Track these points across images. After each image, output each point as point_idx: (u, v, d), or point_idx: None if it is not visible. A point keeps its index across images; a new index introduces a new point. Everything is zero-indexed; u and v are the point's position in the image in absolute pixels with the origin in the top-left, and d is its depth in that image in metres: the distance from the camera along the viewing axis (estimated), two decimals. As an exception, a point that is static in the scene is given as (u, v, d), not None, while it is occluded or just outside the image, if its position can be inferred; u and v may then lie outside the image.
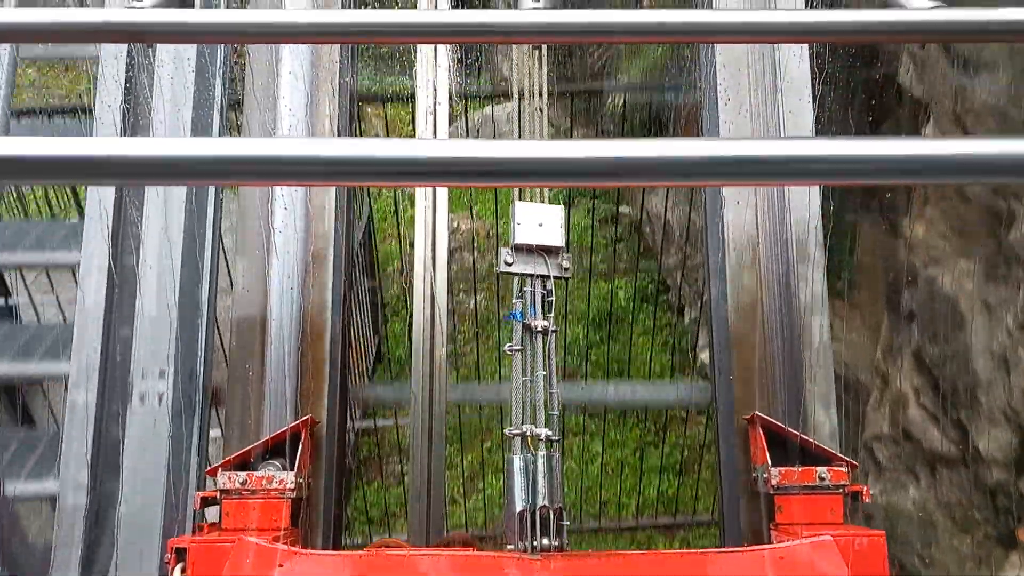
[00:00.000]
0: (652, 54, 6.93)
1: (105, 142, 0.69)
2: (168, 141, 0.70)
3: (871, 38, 1.61)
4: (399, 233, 6.82)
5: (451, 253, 2.75)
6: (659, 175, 0.70)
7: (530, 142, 0.71)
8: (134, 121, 2.69)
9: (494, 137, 8.38)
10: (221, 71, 2.75)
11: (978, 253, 3.77)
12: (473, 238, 7.38)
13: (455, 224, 7.64)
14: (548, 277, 2.43)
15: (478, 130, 8.70)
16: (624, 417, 6.99)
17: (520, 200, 2.53)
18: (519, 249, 2.44)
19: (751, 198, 2.63)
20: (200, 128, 2.63)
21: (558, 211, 2.50)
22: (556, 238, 2.44)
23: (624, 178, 0.70)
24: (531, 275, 2.44)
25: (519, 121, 2.51)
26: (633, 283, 7.75)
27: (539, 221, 2.43)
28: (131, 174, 0.68)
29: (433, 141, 0.68)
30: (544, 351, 2.41)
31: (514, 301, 2.47)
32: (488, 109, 9.10)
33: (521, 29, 1.38)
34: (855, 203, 4.74)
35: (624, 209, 8.40)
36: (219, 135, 2.70)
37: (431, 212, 2.71)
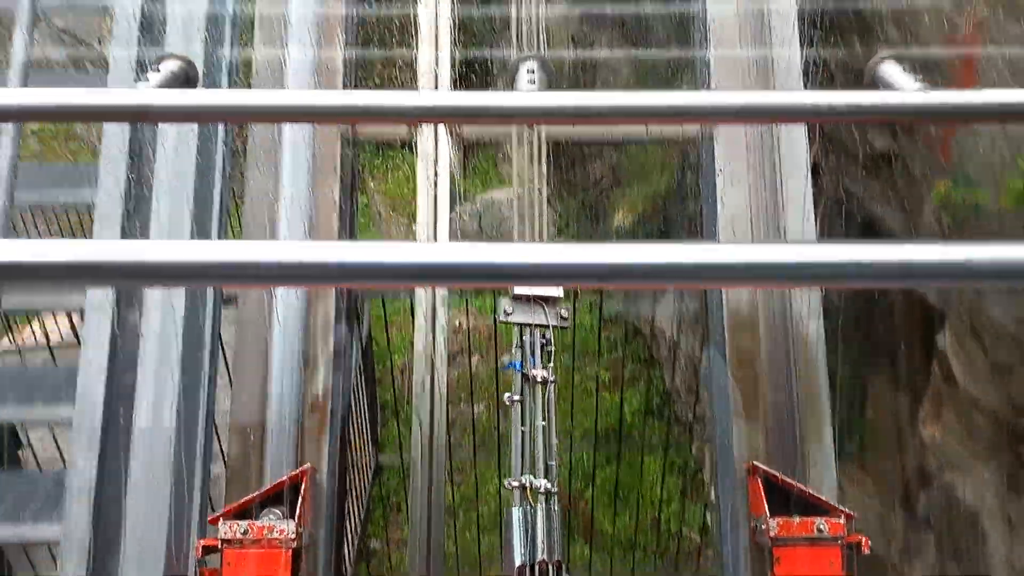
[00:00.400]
0: (657, 181, 6.96)
1: (101, 246, 0.70)
2: (166, 245, 0.71)
3: (865, 118, 1.63)
4: (388, 335, 6.54)
5: (451, 357, 2.70)
6: (655, 278, 0.71)
7: (526, 245, 0.71)
8: (137, 192, 2.71)
9: (498, 223, 8.41)
10: (223, 140, 2.79)
11: (997, 464, 3.68)
12: (470, 338, 7.17)
13: (455, 322, 7.44)
14: (547, 327, 2.44)
15: (480, 216, 8.74)
16: (632, 551, 6.60)
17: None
18: (518, 299, 2.46)
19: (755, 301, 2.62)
20: (202, 199, 2.65)
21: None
22: (555, 288, 2.46)
23: (618, 280, 0.70)
24: (530, 325, 2.44)
25: (519, 210, 2.54)
26: (640, 394, 7.44)
27: None
28: (128, 276, 0.69)
29: (432, 245, 0.69)
30: (543, 401, 2.40)
31: (513, 351, 2.47)
32: (489, 194, 9.14)
33: (518, 111, 1.40)
34: (865, 359, 4.64)
35: (621, 307, 8.22)
36: (221, 205, 2.72)
37: (431, 310, 2.67)
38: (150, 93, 1.45)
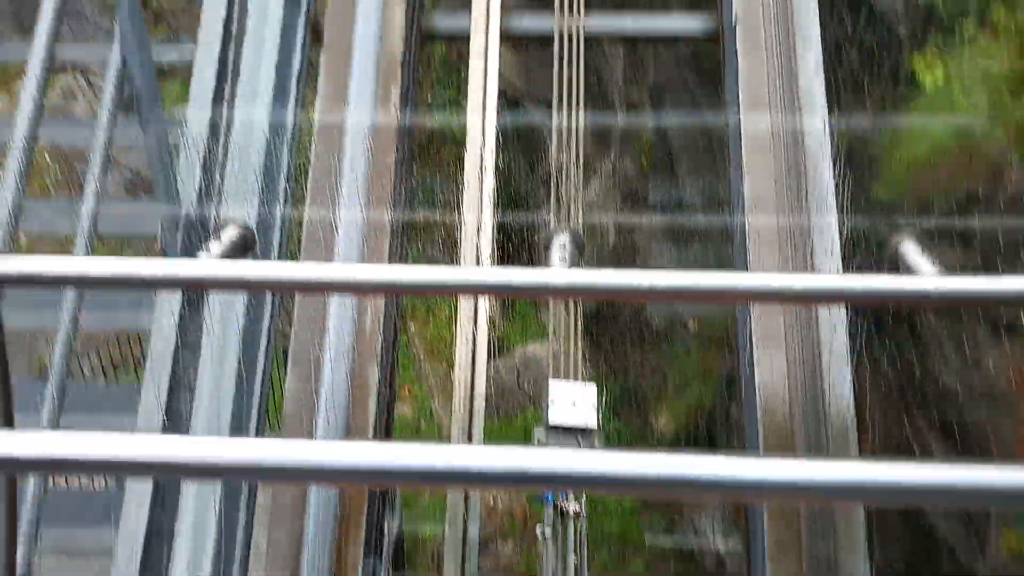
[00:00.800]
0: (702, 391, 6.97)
1: (141, 441, 0.76)
2: (203, 442, 0.76)
3: (886, 301, 1.67)
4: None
5: (483, 543, 2.65)
6: (697, 489, 0.73)
7: (559, 450, 0.75)
8: (187, 357, 2.81)
9: (533, 381, 8.42)
10: (272, 302, 2.92)
11: None
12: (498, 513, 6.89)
13: (490, 501, 7.19)
14: None
15: (518, 372, 8.76)
16: None
17: (554, 378, 2.58)
18: (553, 429, 2.47)
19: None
20: (250, 365, 2.74)
21: (592, 391, 2.53)
22: (590, 419, 2.47)
23: (655, 490, 0.73)
24: None
25: (556, 361, 2.60)
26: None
27: (573, 400, 2.46)
28: (167, 472, 0.74)
29: (467, 448, 0.73)
30: (576, 536, 2.36)
31: None
32: (530, 348, 9.17)
33: (551, 287, 1.48)
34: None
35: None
36: (266, 369, 2.81)
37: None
38: (210, 264, 1.57)
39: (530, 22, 3.79)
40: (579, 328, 2.68)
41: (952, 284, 1.32)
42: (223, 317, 2.69)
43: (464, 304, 2.85)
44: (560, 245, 1.80)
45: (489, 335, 2.94)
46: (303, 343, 2.90)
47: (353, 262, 2.86)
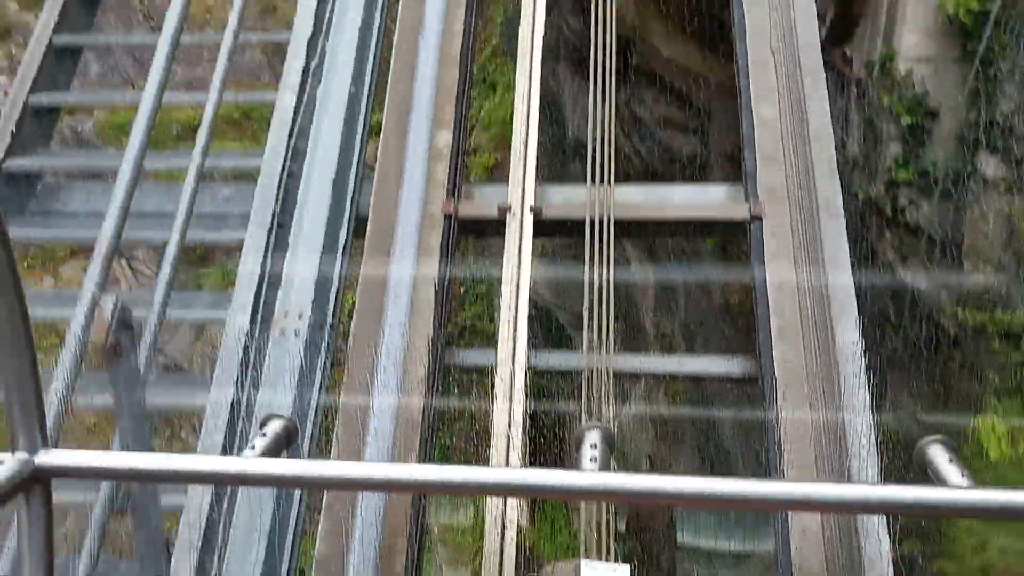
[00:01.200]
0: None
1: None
2: None
3: (915, 512, 1.67)
4: None
5: None
6: None
7: None
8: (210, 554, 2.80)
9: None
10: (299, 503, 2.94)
11: None
12: None
13: None
14: None
15: None
16: None
17: (586, 558, 2.52)
18: None
19: None
20: (277, 555, 2.72)
21: (624, 572, 2.47)
22: None
23: None
24: None
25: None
26: None
27: None
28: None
29: None
30: None
31: None
32: (559, 567, 8.83)
33: (580, 490, 1.51)
34: None
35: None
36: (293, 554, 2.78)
37: None
38: (252, 463, 1.62)
39: (557, 359, 4.01)
40: (612, 536, 2.64)
41: (981, 497, 1.33)
42: (253, 506, 2.71)
43: (491, 510, 2.81)
44: (591, 444, 1.84)
45: (518, 543, 2.88)
46: (332, 529, 2.87)
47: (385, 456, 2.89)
